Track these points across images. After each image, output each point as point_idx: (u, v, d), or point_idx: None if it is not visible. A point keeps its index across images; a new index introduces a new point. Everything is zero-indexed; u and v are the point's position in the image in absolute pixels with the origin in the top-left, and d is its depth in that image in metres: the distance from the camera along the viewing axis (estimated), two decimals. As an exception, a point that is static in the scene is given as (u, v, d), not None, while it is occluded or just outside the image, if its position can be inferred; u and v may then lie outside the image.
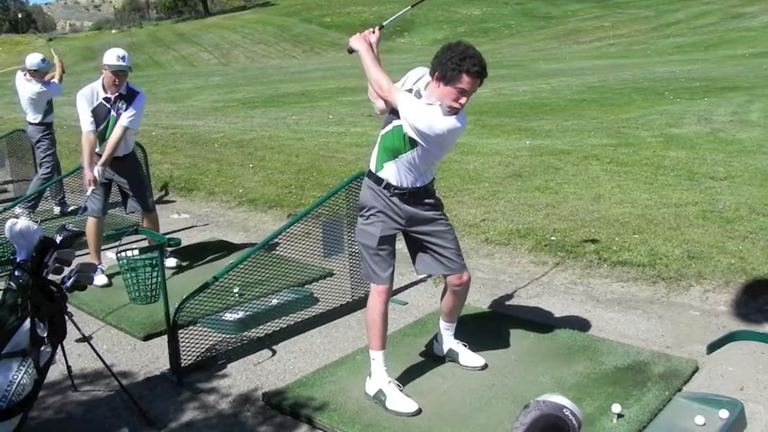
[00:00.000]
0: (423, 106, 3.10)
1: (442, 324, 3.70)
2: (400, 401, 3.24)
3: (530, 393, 3.18)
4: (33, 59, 7.09)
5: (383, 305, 3.31)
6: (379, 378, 3.32)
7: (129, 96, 5.03)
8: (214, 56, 45.55)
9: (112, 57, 4.92)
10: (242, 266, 3.97)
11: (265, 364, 3.89)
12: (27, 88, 7.08)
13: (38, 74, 7.06)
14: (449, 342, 3.71)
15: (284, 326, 4.24)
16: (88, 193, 5.11)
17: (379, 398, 3.29)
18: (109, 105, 4.98)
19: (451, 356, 3.70)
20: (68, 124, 12.11)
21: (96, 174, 5.01)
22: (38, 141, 7.30)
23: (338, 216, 4.53)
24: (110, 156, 5.02)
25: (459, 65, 2.98)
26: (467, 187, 7.27)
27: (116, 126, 4.98)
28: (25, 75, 7.13)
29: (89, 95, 4.98)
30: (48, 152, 7.29)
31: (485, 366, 3.64)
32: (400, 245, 3.45)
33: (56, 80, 7.21)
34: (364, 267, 3.38)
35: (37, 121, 7.21)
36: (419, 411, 3.21)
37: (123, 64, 4.94)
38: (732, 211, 5.92)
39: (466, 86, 3.02)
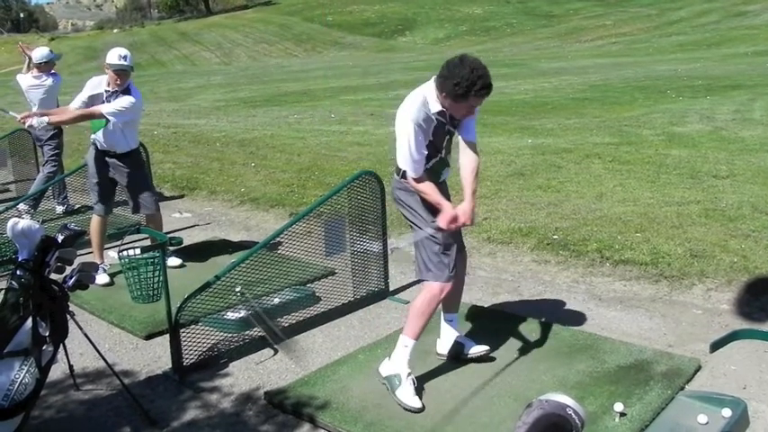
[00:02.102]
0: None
1: (445, 317, 3.71)
2: (409, 394, 3.24)
3: (532, 392, 3.18)
4: (42, 52, 7.11)
5: (440, 302, 3.43)
6: (401, 364, 3.31)
7: (124, 94, 5.05)
8: (216, 55, 45.55)
9: (114, 56, 4.95)
10: (244, 265, 3.98)
11: (267, 363, 3.89)
12: (38, 86, 7.08)
13: (47, 66, 7.07)
14: (452, 335, 3.71)
15: (286, 325, 4.23)
16: (9, 113, 5.57)
17: (392, 381, 3.29)
18: (104, 98, 5.02)
19: (456, 349, 3.69)
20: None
21: (35, 118, 5.09)
22: (48, 139, 7.30)
23: (340, 215, 4.53)
24: (62, 121, 5.39)
25: (467, 89, 3.09)
26: (469, 186, 7.26)
27: (95, 107, 5.01)
28: (31, 72, 7.13)
29: (95, 83, 5.10)
30: (56, 150, 7.31)
31: (489, 352, 3.65)
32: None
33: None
34: (439, 266, 3.33)
35: None
36: (422, 409, 3.21)
37: (125, 63, 4.96)
38: (735, 209, 5.90)
39: (475, 104, 3.21)
